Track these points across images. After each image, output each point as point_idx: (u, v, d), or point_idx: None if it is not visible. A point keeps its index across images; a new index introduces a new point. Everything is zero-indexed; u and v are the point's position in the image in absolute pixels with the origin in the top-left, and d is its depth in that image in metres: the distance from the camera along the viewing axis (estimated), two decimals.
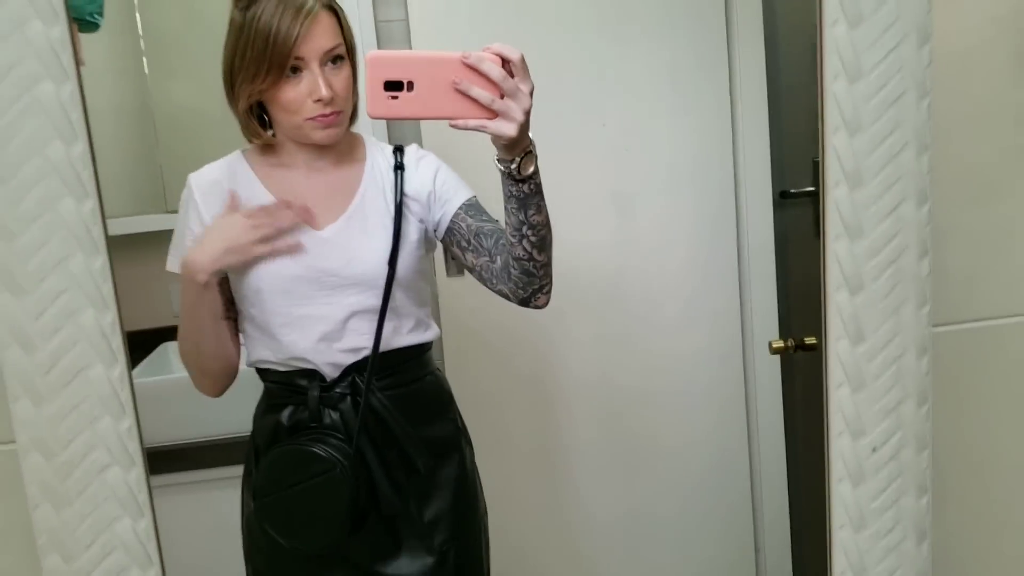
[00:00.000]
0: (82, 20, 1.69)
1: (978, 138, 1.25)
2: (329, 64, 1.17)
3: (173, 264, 1.26)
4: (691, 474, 1.91)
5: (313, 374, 1.23)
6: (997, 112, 1.24)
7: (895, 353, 1.12)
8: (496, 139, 1.03)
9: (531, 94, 1.01)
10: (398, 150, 1.27)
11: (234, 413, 1.56)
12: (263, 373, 1.28)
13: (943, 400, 1.27)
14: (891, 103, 1.06)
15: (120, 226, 1.79)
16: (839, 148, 1.07)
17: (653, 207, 1.83)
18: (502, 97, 0.98)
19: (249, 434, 1.43)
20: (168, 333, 1.77)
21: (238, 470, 1.54)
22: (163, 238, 1.88)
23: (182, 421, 1.58)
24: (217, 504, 1.58)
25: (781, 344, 1.65)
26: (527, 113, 1.01)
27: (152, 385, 1.61)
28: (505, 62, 0.98)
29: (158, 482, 1.54)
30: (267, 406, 1.28)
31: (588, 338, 1.84)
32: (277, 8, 1.14)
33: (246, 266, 1.20)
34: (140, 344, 1.72)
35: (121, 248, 1.77)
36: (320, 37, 1.15)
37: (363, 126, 1.33)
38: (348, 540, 1.23)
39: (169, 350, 1.74)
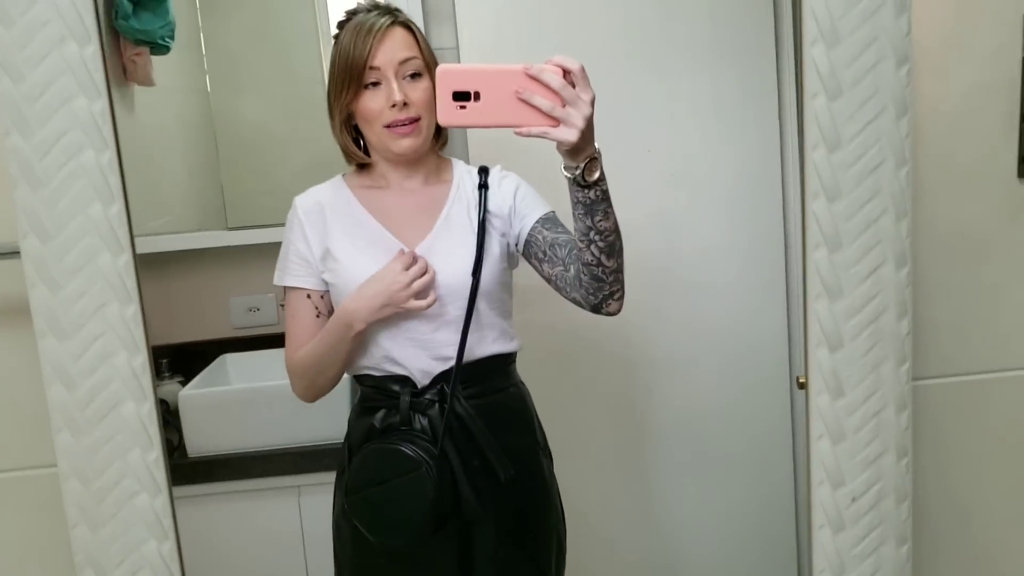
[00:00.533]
0: (154, 43, 1.83)
1: (966, 199, 1.29)
2: (407, 78, 1.25)
3: (279, 279, 1.34)
4: (734, 495, 1.95)
5: (405, 380, 1.30)
6: (985, 174, 1.29)
7: (875, 408, 1.17)
8: (560, 146, 1.07)
9: (592, 103, 1.05)
10: (482, 171, 1.33)
11: (284, 427, 1.66)
12: (360, 379, 1.35)
13: (927, 451, 1.31)
14: (869, 172, 1.12)
15: (182, 241, 1.89)
16: (818, 213, 1.12)
17: (698, 231, 1.86)
18: (564, 106, 1.03)
19: (331, 442, 1.57)
20: (226, 345, 1.89)
21: (285, 481, 1.64)
22: (224, 254, 1.97)
23: (234, 432, 1.67)
24: (263, 513, 1.67)
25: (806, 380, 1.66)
26: (587, 120, 1.04)
27: (209, 396, 1.71)
28: (566, 73, 1.03)
29: (210, 490, 1.65)
30: (361, 409, 1.34)
31: (633, 356, 1.89)
32: (356, 29, 1.24)
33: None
34: (199, 355, 1.84)
35: (183, 262, 1.89)
36: (393, 49, 1.24)
37: None
38: (428, 542, 1.28)
39: (227, 362, 1.86)
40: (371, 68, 1.24)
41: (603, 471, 1.92)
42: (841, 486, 1.18)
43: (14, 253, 1.10)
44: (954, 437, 1.33)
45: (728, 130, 1.83)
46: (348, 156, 1.34)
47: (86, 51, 1.04)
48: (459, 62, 1.73)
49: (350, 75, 1.24)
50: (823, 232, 1.13)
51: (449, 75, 1.03)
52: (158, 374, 1.83)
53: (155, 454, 1.13)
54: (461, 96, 1.02)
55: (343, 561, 1.38)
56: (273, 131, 1.99)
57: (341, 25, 1.29)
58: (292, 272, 1.31)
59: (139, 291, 1.10)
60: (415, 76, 1.26)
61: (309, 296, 1.31)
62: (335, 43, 1.28)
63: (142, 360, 1.11)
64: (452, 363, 1.28)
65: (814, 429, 1.18)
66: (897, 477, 1.19)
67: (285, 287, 1.32)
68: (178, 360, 1.86)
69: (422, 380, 1.29)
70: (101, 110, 1.05)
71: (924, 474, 1.31)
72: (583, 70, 1.04)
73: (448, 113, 1.03)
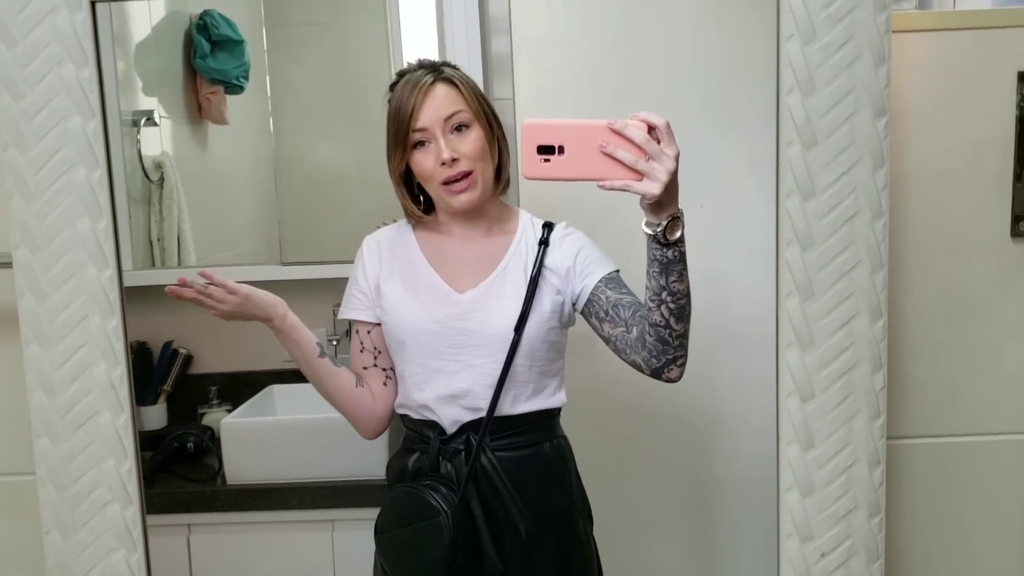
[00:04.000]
0: (228, 83, 1.92)
1: (957, 258, 1.27)
2: (455, 131, 1.24)
3: (341, 312, 1.37)
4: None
5: (436, 426, 1.30)
6: (977, 233, 1.27)
7: (846, 462, 1.15)
8: (643, 200, 1.06)
9: (676, 158, 1.04)
10: (546, 226, 1.32)
11: (321, 461, 1.66)
12: (402, 419, 1.36)
13: (908, 512, 1.28)
14: (844, 222, 1.11)
15: (240, 275, 1.90)
16: (790, 261, 1.12)
17: (750, 290, 1.77)
18: (647, 159, 1.03)
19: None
20: (276, 376, 1.91)
21: (320, 514, 1.65)
22: (278, 288, 1.96)
23: (273, 463, 1.67)
24: (297, 545, 1.67)
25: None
26: (671, 175, 1.04)
27: (250, 425, 1.73)
28: (651, 128, 1.03)
29: (247, 518, 1.66)
30: (401, 449, 1.36)
31: (677, 419, 1.79)
32: (402, 89, 1.25)
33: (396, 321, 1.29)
34: (249, 384, 1.87)
35: None
36: (436, 107, 1.23)
37: None
38: None
39: (274, 393, 1.88)
40: (415, 130, 1.24)
41: (643, 534, 1.85)
42: (810, 540, 1.16)
43: (7, 264, 1.15)
44: (939, 500, 1.30)
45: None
46: (406, 211, 1.35)
47: (83, 73, 1.09)
48: (514, 112, 1.73)
49: (397, 137, 1.25)
50: (795, 280, 1.13)
51: (534, 129, 1.04)
52: (207, 401, 1.88)
53: (128, 465, 1.16)
54: (545, 149, 1.03)
55: None
56: (332, 173, 2.03)
57: (393, 87, 1.30)
58: (350, 305, 1.35)
59: (122, 305, 1.14)
60: (461, 128, 1.25)
61: (358, 331, 1.34)
62: (387, 104, 1.30)
63: (120, 372, 1.15)
64: (480, 415, 1.28)
65: (783, 480, 1.16)
66: (868, 535, 1.16)
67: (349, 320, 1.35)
68: (228, 389, 1.91)
69: (450, 428, 1.29)
70: (94, 130, 1.10)
71: (905, 537, 1.28)
72: (668, 126, 1.04)
73: (532, 166, 1.04)
